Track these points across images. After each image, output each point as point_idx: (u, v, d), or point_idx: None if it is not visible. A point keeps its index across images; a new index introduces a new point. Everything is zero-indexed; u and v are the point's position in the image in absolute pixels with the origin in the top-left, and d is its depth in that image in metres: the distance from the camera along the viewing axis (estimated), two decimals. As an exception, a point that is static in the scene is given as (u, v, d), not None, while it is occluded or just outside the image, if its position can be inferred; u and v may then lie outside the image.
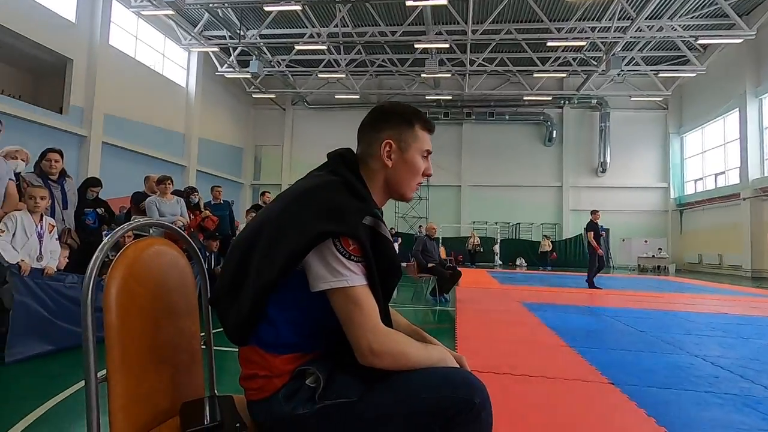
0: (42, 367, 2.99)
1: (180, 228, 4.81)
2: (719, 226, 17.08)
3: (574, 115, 21.18)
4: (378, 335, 0.91)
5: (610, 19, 14.97)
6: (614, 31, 15.14)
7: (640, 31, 15.41)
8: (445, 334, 4.37)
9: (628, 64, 18.28)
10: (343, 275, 0.90)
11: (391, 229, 20.78)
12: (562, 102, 20.87)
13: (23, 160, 4.00)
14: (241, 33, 15.80)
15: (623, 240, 19.96)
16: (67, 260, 3.84)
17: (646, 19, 15.03)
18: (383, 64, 19.83)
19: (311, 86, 20.93)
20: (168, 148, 16.08)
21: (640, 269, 18.08)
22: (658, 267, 17.54)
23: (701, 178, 19.03)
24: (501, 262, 18.64)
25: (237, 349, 1.02)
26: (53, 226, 3.40)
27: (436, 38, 15.43)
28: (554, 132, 20.78)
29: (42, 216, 3.29)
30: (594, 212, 9.65)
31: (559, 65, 18.96)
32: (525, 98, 20.19)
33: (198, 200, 6.08)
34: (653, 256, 17.95)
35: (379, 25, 16.19)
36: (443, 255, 16.18)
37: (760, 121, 15.35)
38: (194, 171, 17.42)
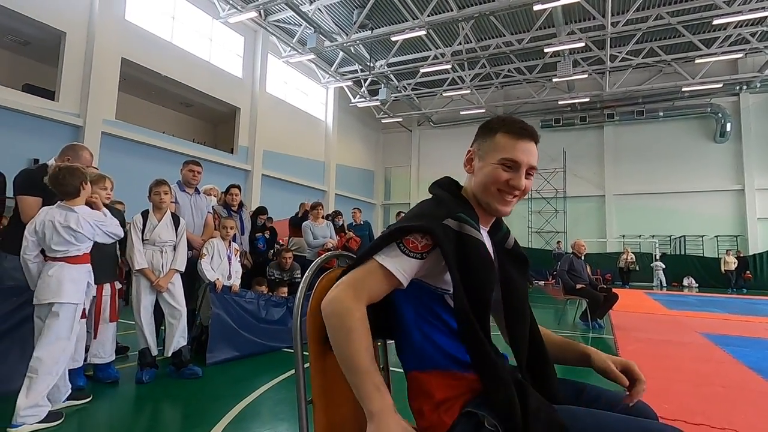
0: (232, 370, 3.53)
1: (330, 249, 5.29)
2: None
3: (756, 102, 17.26)
4: (354, 304, 0.89)
5: (805, -22, 11.94)
6: (814, -8, 12.01)
7: None
8: (606, 367, 3.84)
9: (837, 28, 14.26)
10: (389, 261, 0.94)
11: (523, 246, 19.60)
12: (738, 88, 17.21)
13: (215, 196, 4.89)
14: (371, 65, 17.01)
15: None
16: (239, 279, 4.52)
17: None
18: (509, 74, 19.13)
19: (436, 105, 21.31)
20: (312, 175, 18.03)
21: None
22: None
23: None
24: (665, 283, 15.87)
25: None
26: (238, 250, 4.05)
27: (569, 39, 14.32)
28: (728, 125, 17.19)
29: (230, 242, 3.95)
30: None
31: (729, 45, 15.77)
32: (684, 89, 17.22)
33: (342, 223, 6.61)
34: None
35: (504, 36, 15.74)
36: (589, 273, 14.57)
37: None
38: (333, 195, 19.13)
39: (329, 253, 1.26)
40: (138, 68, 11.48)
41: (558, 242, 17.71)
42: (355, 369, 0.86)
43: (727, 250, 15.70)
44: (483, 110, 20.40)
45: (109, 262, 3.13)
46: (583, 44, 14.50)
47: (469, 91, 19.36)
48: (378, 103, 19.29)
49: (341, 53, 16.19)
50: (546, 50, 14.67)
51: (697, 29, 14.94)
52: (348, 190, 20.53)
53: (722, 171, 17.56)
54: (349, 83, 18.54)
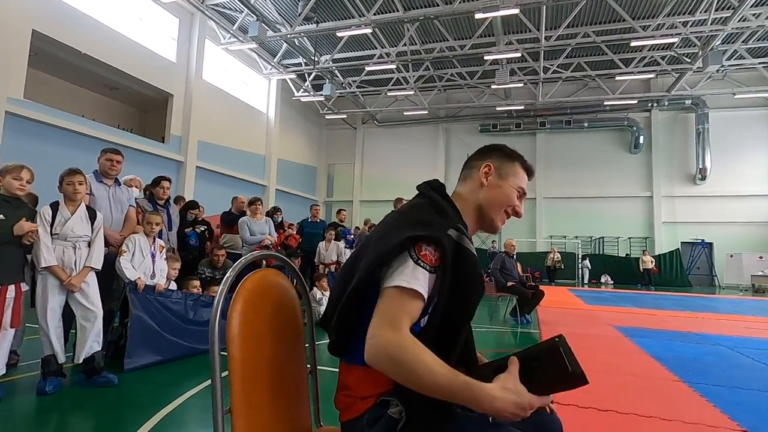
0: (154, 376, 3.27)
1: (268, 246, 5.11)
2: None
3: (664, 119, 19.33)
4: (397, 336, 0.85)
5: (706, 11, 13.55)
6: (712, 24, 13.66)
7: (745, 20, 13.74)
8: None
9: (729, 58, 16.35)
10: (405, 278, 0.91)
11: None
12: (650, 105, 19.17)
13: (137, 188, 4.51)
14: (316, 59, 16.71)
15: (731, 256, 17.54)
16: (177, 272, 4.22)
17: (751, 6, 13.39)
18: (452, 78, 19.75)
19: (381, 104, 21.44)
20: (251, 169, 17.34)
21: (754, 290, 15.73)
22: (779, 287, 15.13)
23: (832, 183, 16.24)
24: (586, 280, 17.29)
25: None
26: (163, 247, 3.77)
27: (507, 48, 15.05)
28: (641, 137, 19.09)
29: (154, 238, 3.66)
30: None
31: (644, 66, 17.50)
32: (606, 103, 18.85)
33: (281, 219, 6.42)
34: (770, 274, 15.55)
35: (448, 40, 16.20)
36: (520, 272, 15.47)
37: None
38: (273, 190, 18.56)
39: (256, 252, 1.19)
40: (53, 43, 10.31)
41: (493, 242, 18.58)
42: (442, 392, 0.82)
43: (643, 250, 17.42)
44: (426, 112, 20.89)
45: (13, 260, 2.77)
46: (519, 55, 15.32)
47: (413, 92, 19.69)
48: (322, 98, 19.03)
49: (285, 45, 15.73)
50: (486, 58, 15.30)
51: (618, 49, 16.38)
52: (289, 186, 20.04)
53: (635, 179, 19.46)
54: (293, 76, 18.08)
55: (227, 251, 5.07)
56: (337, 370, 1.07)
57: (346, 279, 1.03)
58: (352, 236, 8.01)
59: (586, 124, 19.85)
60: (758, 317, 7.90)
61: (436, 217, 1.02)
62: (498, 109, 20.22)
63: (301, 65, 17.59)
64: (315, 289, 5.58)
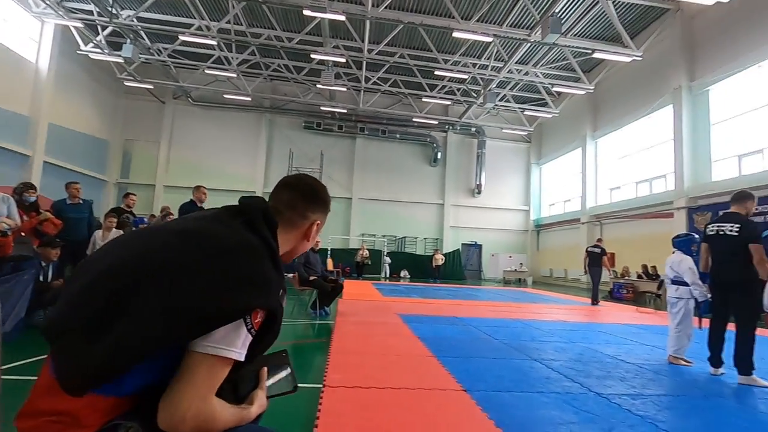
0: None
1: (5, 231, 3.99)
2: (565, 245, 20.19)
3: (456, 140, 23.21)
4: (209, 407, 0.86)
5: (488, 59, 16.88)
6: (491, 70, 17.11)
7: (511, 72, 17.66)
8: (320, 348, 4.33)
9: (501, 99, 20.73)
10: (235, 348, 0.87)
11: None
12: (447, 127, 22.75)
13: None
14: (114, 11, 13.97)
15: (492, 255, 22.30)
16: None
17: (516, 63, 17.30)
18: (279, 69, 19.36)
19: (197, 81, 19.38)
20: (6, 132, 13.28)
21: (504, 281, 20.34)
22: (519, 279, 19.96)
23: (554, 204, 22.35)
24: (388, 275, 19.32)
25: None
26: None
27: (333, 51, 15.61)
28: (439, 154, 22.49)
29: None
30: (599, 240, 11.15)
31: (445, 93, 20.67)
32: (414, 120, 21.52)
33: (36, 199, 5.11)
34: (515, 269, 20.38)
35: (276, 29, 15.80)
36: (330, 267, 16.21)
37: (596, 160, 18.68)
38: (40, 162, 14.66)
39: None
40: None
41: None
42: (233, 427, 0.91)
43: (435, 249, 20.38)
44: (249, 98, 19.91)
45: None
46: (344, 60, 16.08)
47: (235, 75, 18.50)
48: (121, 60, 16.03)
49: (69, -17, 12.65)
50: (312, 56, 15.51)
51: (426, 74, 18.89)
52: (67, 160, 16.20)
53: (432, 188, 22.79)
54: (79, 24, 14.67)
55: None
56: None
57: (123, 294, 0.84)
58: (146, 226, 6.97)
59: (398, 136, 22.23)
60: (501, 302, 10.24)
61: (273, 271, 0.94)
62: (323, 108, 20.78)
63: (93, 14, 14.44)
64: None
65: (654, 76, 14.77)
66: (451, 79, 19.36)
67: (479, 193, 22.95)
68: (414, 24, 13.86)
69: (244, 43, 16.20)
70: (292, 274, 7.12)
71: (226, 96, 19.74)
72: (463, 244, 22.60)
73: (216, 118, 21.13)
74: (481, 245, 22.98)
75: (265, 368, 1.08)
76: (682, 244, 4.40)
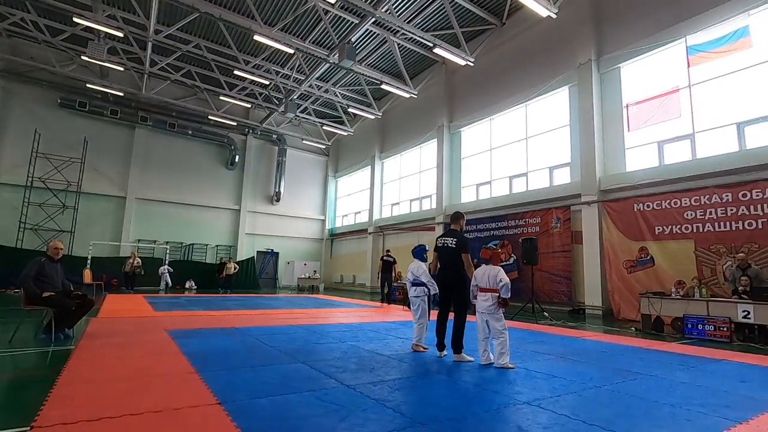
0: None
1: None
2: (354, 254, 22.06)
3: (256, 145, 22.59)
4: None
5: (291, 69, 17.15)
6: (293, 81, 17.44)
7: (312, 87, 18.42)
8: (43, 382, 3.45)
9: (302, 111, 21.33)
10: None
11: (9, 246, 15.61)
12: (247, 130, 21.93)
13: None
14: None
15: (288, 263, 22.49)
16: None
17: (317, 79, 18.14)
18: (23, 24, 14.99)
19: None
20: None
21: (299, 288, 20.77)
22: (312, 286, 20.71)
23: (347, 215, 24.19)
24: (170, 286, 17.07)
25: None
26: None
27: (106, 21, 13.08)
28: (237, 157, 21.43)
29: None
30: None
31: (246, 95, 19.93)
32: (210, 117, 19.97)
33: None
34: (309, 276, 21.08)
35: (20, -27, 12.26)
36: (88, 279, 13.27)
37: (382, 178, 21.18)
38: None
39: None
40: None
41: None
42: None
43: (229, 258, 19.05)
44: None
45: None
46: (122, 35, 13.69)
47: (-56, 18, 13.43)
48: None
49: None
50: (76, 20, 12.63)
51: (226, 72, 17.84)
52: None
53: (228, 193, 21.50)
54: None
55: None
56: None
57: None
58: None
59: (190, 132, 20.15)
60: (289, 309, 10.39)
61: None
62: (90, 86, 17.09)
63: None
64: None
65: (427, 114, 17.82)
66: (252, 82, 18.83)
67: (278, 200, 22.88)
68: (212, 16, 12.95)
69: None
70: (16, 290, 5.51)
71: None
72: (258, 251, 22.03)
73: None
74: (278, 253, 22.87)
75: None
76: (418, 253, 5.42)
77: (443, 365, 4.46)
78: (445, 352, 4.85)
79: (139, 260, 15.62)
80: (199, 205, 20.49)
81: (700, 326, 6.88)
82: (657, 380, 3.97)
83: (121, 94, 17.71)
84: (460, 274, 4.69)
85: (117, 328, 6.41)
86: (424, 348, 5.15)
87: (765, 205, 8.00)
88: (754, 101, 8.60)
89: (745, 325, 6.68)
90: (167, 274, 17.06)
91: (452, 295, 4.80)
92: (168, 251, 18.46)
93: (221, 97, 19.23)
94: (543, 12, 11.13)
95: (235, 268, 17.77)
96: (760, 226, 8.02)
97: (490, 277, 4.52)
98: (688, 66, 9.47)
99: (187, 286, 18.06)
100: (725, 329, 6.60)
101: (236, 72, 16.39)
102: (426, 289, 5.11)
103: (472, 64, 14.33)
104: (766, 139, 8.35)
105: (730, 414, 3.01)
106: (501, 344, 4.35)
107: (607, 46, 11.23)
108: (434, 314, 5.10)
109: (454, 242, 4.76)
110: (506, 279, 4.41)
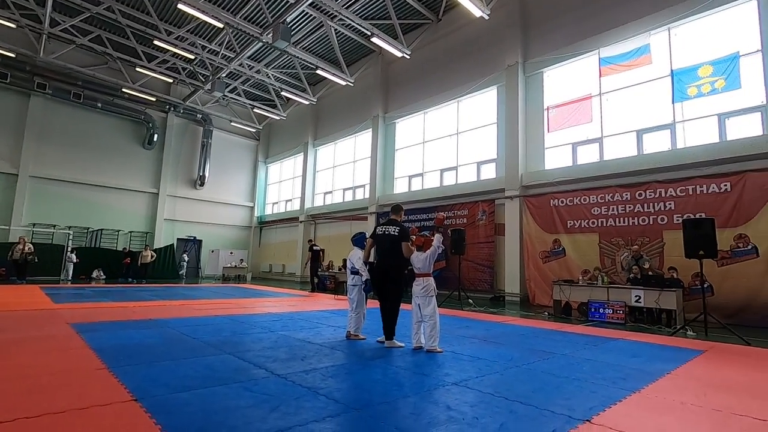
0: None
1: None
2: (284, 242, 21.46)
3: (178, 124, 20.90)
4: None
5: (219, 45, 16.04)
6: (221, 57, 16.35)
7: (242, 66, 17.43)
8: None
9: (231, 91, 20.12)
10: None
11: None
12: (168, 107, 20.19)
13: None
14: None
15: (212, 251, 21.27)
16: None
17: (248, 58, 17.19)
18: None
19: None
20: None
21: (224, 278, 19.75)
22: (239, 276, 19.82)
23: (277, 202, 23.41)
24: (70, 276, 15.29)
25: None
26: None
27: (-7, -33, 11.19)
28: (155, 136, 19.66)
29: None
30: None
31: (167, 68, 18.32)
32: (124, 90, 18.07)
33: None
34: (235, 266, 20.14)
35: None
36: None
37: (315, 166, 20.76)
38: None
39: None
40: None
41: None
42: None
43: (145, 246, 17.49)
44: None
45: None
46: (14, -14, 11.81)
47: None
48: None
49: None
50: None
51: (144, 41, 16.20)
52: None
53: (144, 174, 19.69)
54: None
55: None
56: None
57: None
58: None
59: (99, 105, 18.04)
60: (213, 300, 9.84)
61: None
62: (-29, 42, 14.56)
63: None
64: None
65: (363, 103, 17.72)
66: (175, 55, 17.33)
67: (202, 185, 21.44)
68: (128, -24, 11.64)
69: None
70: None
71: None
72: (179, 239, 20.54)
73: None
74: (201, 240, 21.51)
75: None
76: (358, 241, 5.40)
77: (375, 352, 4.52)
78: (395, 341, 4.84)
79: (31, 246, 13.75)
80: (110, 186, 18.53)
81: (601, 310, 7.72)
82: (567, 358, 4.38)
83: (12, 54, 15.33)
84: (398, 261, 4.76)
85: (5, 323, 5.61)
86: (362, 337, 5.17)
87: (656, 204, 9.15)
88: (651, 111, 9.74)
89: (636, 308, 7.63)
90: (71, 264, 15.27)
91: (389, 282, 4.85)
92: (71, 237, 16.51)
93: (138, 69, 17.47)
94: (476, 12, 11.55)
95: (152, 257, 16.41)
96: (650, 222, 9.16)
97: (422, 261, 4.69)
98: (600, 76, 10.45)
99: (94, 275, 16.34)
100: (621, 312, 7.48)
101: (156, 42, 14.98)
102: (360, 273, 5.11)
103: (408, 57, 14.49)
104: (659, 145, 9.52)
105: (626, 385, 3.41)
106: (431, 327, 4.51)
107: (533, 51, 11.99)
108: (371, 303, 5.11)
109: (396, 230, 4.82)
110: (426, 255, 4.68)
